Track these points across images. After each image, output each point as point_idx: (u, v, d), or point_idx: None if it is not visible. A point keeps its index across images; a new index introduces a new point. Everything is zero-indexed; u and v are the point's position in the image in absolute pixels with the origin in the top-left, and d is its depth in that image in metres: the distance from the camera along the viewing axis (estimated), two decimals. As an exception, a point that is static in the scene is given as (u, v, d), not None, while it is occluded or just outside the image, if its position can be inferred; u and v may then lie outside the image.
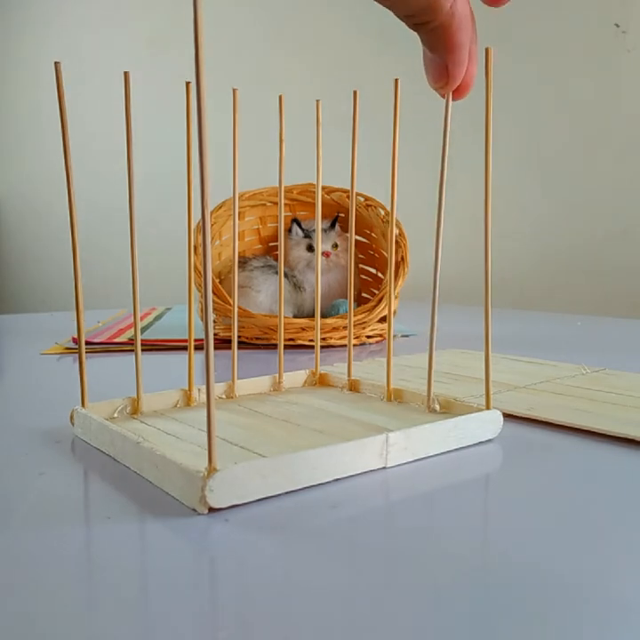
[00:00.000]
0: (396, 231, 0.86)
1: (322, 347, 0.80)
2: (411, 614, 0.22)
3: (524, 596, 0.23)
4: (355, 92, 0.47)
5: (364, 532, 0.29)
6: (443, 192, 0.40)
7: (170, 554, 0.26)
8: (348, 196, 0.94)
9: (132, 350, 0.45)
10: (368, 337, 0.86)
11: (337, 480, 0.34)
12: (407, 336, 0.91)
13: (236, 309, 0.50)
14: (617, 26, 1.34)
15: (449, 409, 0.44)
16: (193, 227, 0.49)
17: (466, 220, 1.22)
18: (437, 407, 0.44)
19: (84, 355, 0.41)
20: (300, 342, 0.81)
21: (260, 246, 1.01)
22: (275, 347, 0.78)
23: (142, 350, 0.45)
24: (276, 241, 1.01)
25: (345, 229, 0.95)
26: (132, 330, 0.93)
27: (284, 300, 0.82)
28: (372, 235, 0.95)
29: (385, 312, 0.83)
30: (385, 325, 0.86)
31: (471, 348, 0.72)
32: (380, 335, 0.88)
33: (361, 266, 1.00)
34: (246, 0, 1.94)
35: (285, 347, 0.79)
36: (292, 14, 1.86)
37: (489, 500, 0.33)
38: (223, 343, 0.79)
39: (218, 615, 0.22)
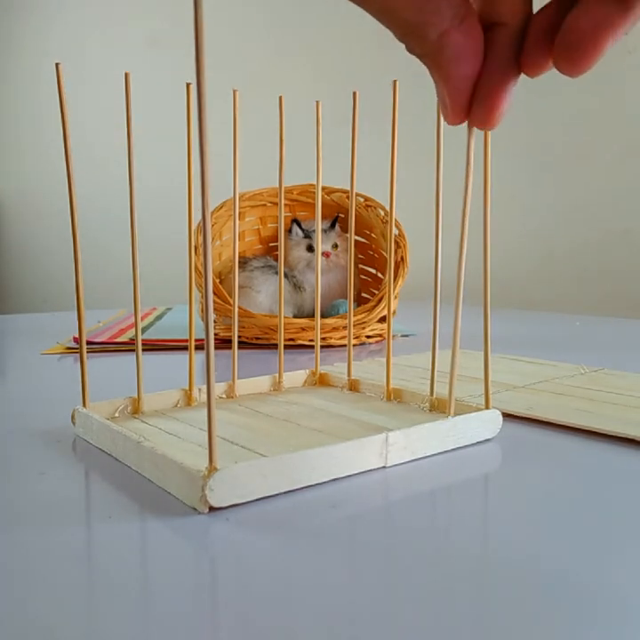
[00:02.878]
0: (395, 231, 0.86)
1: (322, 347, 0.80)
2: (410, 613, 0.22)
3: (524, 594, 0.23)
4: (354, 93, 0.47)
5: (363, 531, 0.29)
6: (439, 192, 0.40)
7: (170, 553, 0.26)
8: (347, 197, 0.94)
9: (133, 350, 0.45)
10: (368, 337, 0.86)
11: (337, 479, 0.34)
12: (407, 336, 0.91)
13: (236, 309, 0.51)
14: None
15: (448, 409, 0.44)
16: (193, 227, 0.49)
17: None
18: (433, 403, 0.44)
19: (85, 354, 0.41)
20: (300, 342, 0.81)
21: (260, 246, 1.01)
22: (275, 347, 0.78)
23: (143, 350, 0.45)
24: (276, 241, 1.01)
25: (345, 230, 0.95)
26: (133, 330, 0.93)
27: (284, 301, 0.82)
28: (372, 235, 0.95)
29: (385, 312, 0.83)
30: (385, 325, 0.87)
31: (471, 348, 0.72)
32: (380, 335, 0.88)
33: (361, 266, 1.00)
34: (247, 0, 1.94)
35: (285, 347, 0.79)
36: (293, 15, 1.86)
37: (488, 499, 0.33)
38: (223, 343, 0.79)
39: (218, 615, 0.22)
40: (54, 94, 0.38)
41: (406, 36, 0.27)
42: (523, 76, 0.28)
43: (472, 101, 0.28)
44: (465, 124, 0.30)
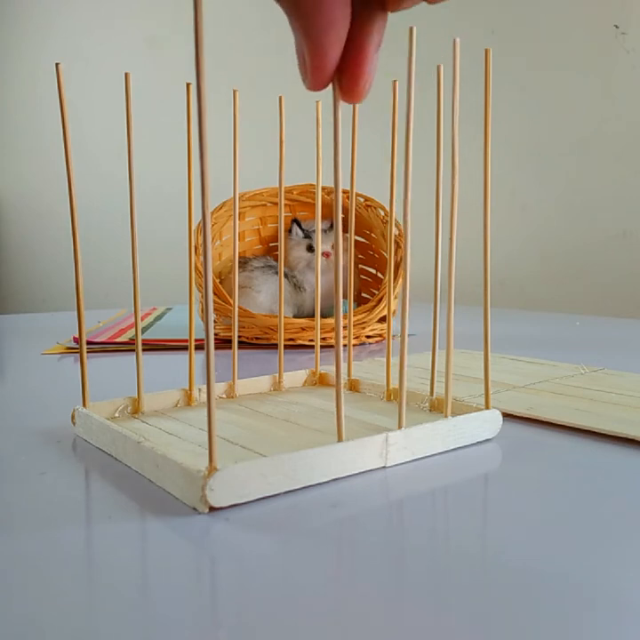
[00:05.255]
0: (395, 231, 0.86)
1: (322, 347, 0.80)
2: (410, 613, 0.22)
3: (524, 594, 0.23)
4: (355, 93, 0.47)
5: (363, 531, 0.29)
6: (439, 192, 0.40)
7: (170, 553, 0.26)
8: (347, 197, 0.94)
9: (133, 350, 0.45)
10: (368, 337, 0.86)
11: (337, 479, 0.34)
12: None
13: (236, 309, 0.51)
14: (616, 27, 1.34)
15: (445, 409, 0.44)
16: (193, 227, 0.49)
17: (466, 221, 1.22)
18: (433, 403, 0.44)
19: (85, 354, 0.41)
20: (300, 342, 0.81)
21: (260, 246, 1.01)
22: (275, 347, 0.78)
23: (143, 350, 0.45)
24: (277, 241, 1.01)
25: (345, 230, 0.95)
26: (133, 330, 0.93)
27: (284, 301, 0.82)
28: (372, 235, 0.95)
29: (385, 312, 0.83)
30: (385, 325, 0.87)
31: (471, 348, 0.72)
32: (380, 335, 0.88)
33: (361, 266, 1.00)
34: (247, 0, 1.94)
35: (285, 347, 0.79)
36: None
37: (488, 499, 0.33)
38: (223, 343, 0.79)
39: (218, 615, 0.22)
40: (54, 94, 0.38)
41: None
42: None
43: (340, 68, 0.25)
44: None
